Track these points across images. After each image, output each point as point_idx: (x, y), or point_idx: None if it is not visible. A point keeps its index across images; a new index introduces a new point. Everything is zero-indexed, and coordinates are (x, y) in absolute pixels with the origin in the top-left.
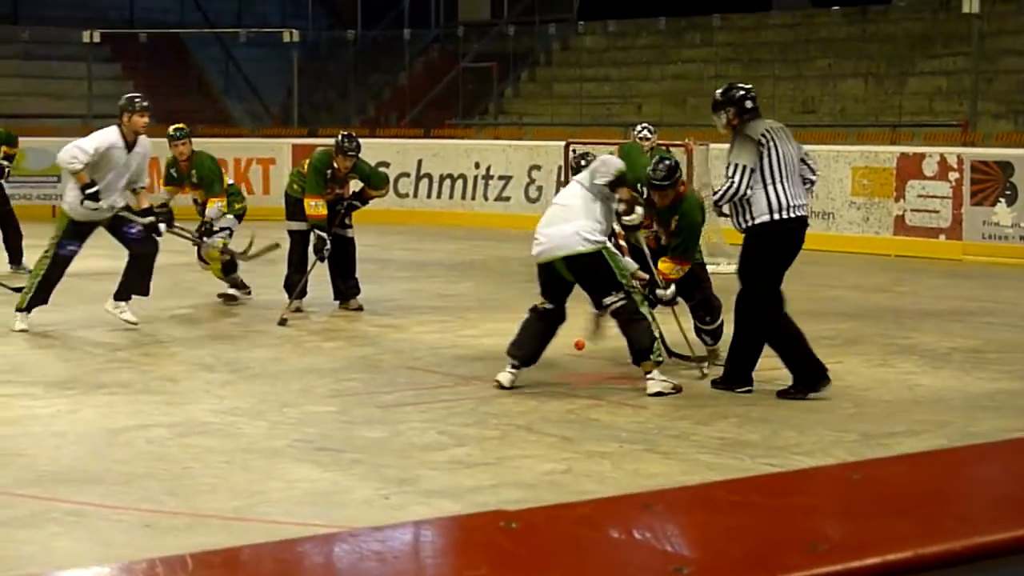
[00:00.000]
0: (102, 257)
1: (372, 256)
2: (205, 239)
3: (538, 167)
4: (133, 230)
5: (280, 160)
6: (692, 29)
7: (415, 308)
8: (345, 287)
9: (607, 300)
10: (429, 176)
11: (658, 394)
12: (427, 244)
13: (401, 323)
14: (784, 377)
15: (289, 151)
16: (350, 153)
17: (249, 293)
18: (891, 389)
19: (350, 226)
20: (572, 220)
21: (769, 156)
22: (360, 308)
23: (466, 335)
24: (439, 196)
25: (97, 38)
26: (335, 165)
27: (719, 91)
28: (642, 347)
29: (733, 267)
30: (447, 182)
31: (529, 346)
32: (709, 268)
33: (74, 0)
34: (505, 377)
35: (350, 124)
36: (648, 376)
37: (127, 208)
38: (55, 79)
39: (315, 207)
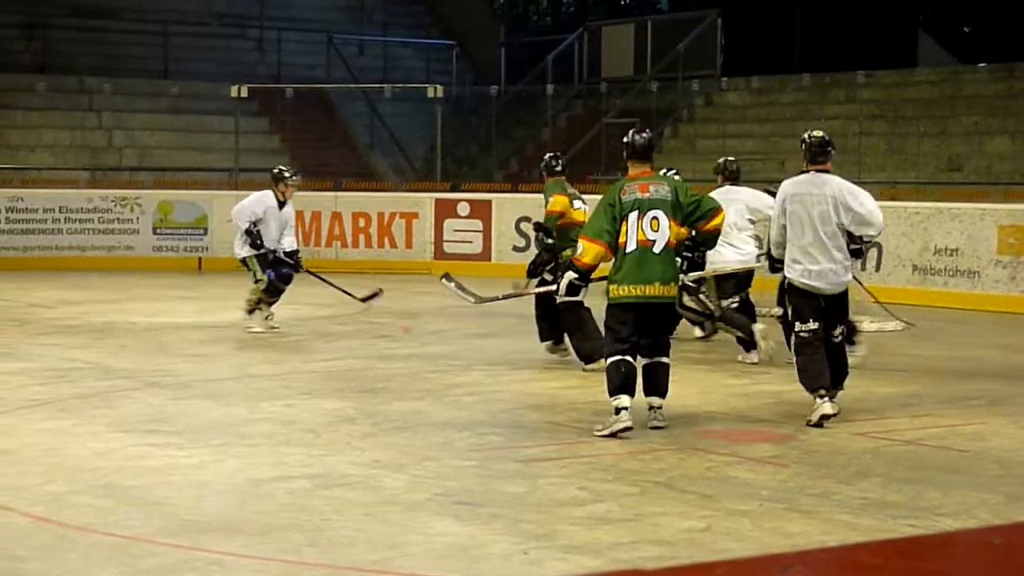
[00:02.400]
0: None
1: (514, 311)
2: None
3: None
4: (284, 269)
5: (423, 214)
6: (836, 86)
7: (557, 363)
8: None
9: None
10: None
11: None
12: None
13: (542, 378)
14: (936, 436)
15: (432, 205)
16: None
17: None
18: None
19: None
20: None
21: None
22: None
23: (603, 391)
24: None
25: (245, 93)
26: None
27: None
28: None
29: (876, 325)
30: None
31: (823, 369)
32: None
33: (222, 56)
34: (828, 408)
35: (492, 179)
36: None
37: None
38: (203, 133)
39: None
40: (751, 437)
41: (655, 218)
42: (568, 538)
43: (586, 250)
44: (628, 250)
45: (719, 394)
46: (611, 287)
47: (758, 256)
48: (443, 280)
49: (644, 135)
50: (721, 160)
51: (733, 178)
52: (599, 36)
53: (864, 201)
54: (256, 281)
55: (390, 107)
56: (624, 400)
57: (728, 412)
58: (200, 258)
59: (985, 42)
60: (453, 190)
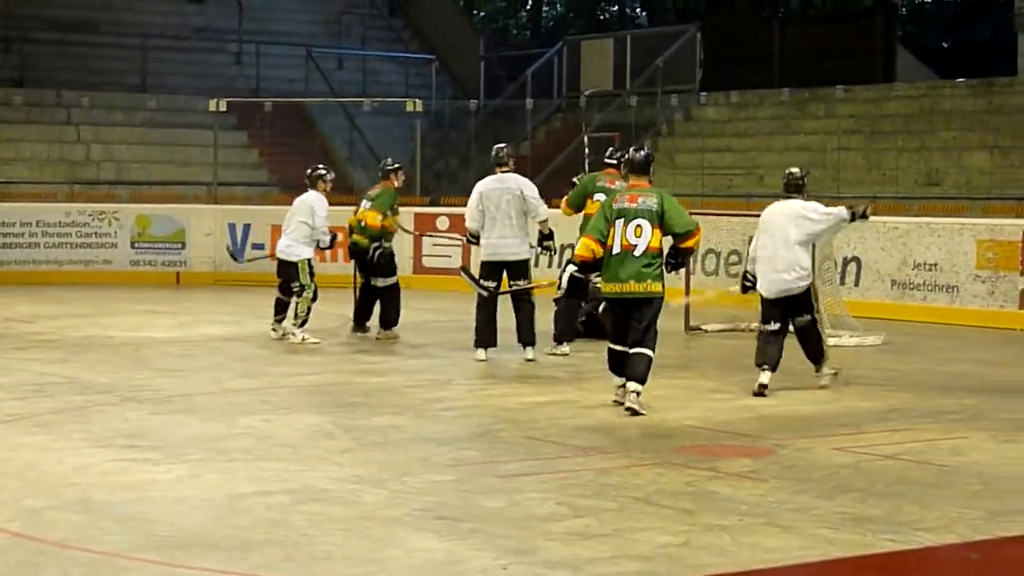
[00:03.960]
0: (227, 324)
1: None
2: None
3: None
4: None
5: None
6: (815, 101)
7: (535, 378)
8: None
9: None
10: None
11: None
12: (547, 314)
13: (521, 392)
14: (915, 451)
15: (411, 220)
16: None
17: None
18: (1017, 465)
19: None
20: None
21: None
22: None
23: (586, 406)
24: (560, 264)
25: (223, 107)
26: None
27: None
28: None
29: (855, 339)
30: (568, 252)
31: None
32: (832, 340)
33: (201, 70)
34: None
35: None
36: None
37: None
38: (182, 147)
39: None
40: (730, 452)
41: (639, 225)
42: (547, 553)
43: (581, 245)
44: (613, 252)
45: (698, 409)
46: (602, 285)
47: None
48: (461, 274)
49: (642, 152)
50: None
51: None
52: (579, 50)
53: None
54: (302, 289)
55: (369, 121)
56: (617, 380)
57: (707, 426)
58: (178, 272)
59: (963, 57)
60: (432, 204)
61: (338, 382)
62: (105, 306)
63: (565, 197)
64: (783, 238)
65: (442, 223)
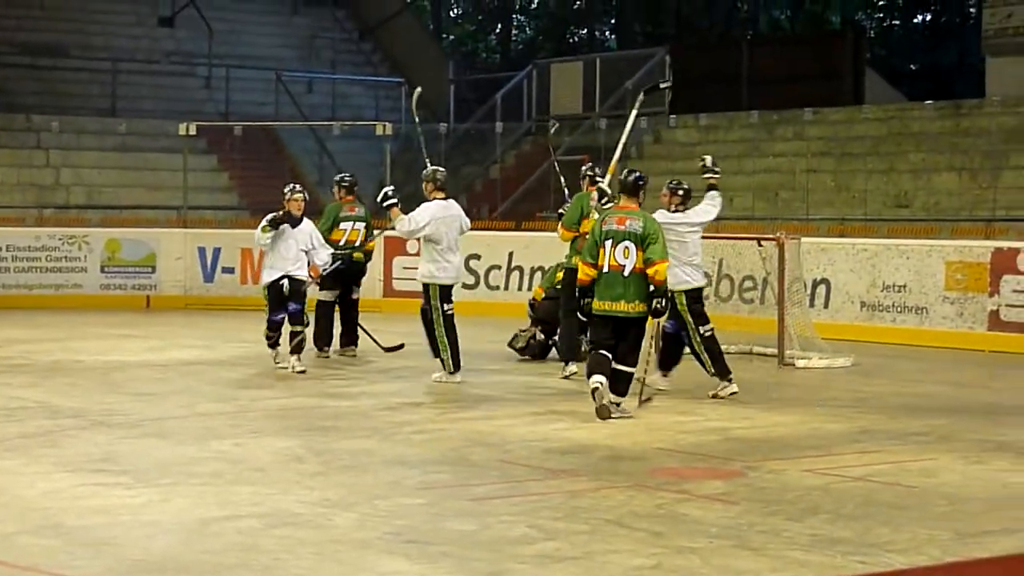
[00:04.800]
0: (198, 348)
1: (464, 348)
2: None
3: None
4: None
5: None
6: (784, 123)
7: (506, 400)
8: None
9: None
10: (520, 269)
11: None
12: (511, 333)
13: (491, 415)
14: (885, 472)
15: (381, 242)
16: None
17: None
18: (986, 487)
19: None
20: None
21: None
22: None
23: (557, 428)
24: (531, 289)
25: (193, 131)
26: None
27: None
28: None
29: (825, 361)
30: (539, 275)
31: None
32: (800, 363)
33: (171, 94)
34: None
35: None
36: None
37: None
38: (152, 170)
39: None
40: (701, 474)
41: (627, 247)
42: None
43: (579, 269)
44: (603, 272)
45: (669, 431)
46: (592, 302)
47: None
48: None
49: (633, 175)
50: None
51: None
52: (548, 73)
53: None
54: None
55: (339, 144)
56: (595, 380)
57: (677, 449)
58: (148, 296)
59: (931, 80)
60: None
61: (308, 406)
62: (75, 330)
63: (560, 221)
64: None
65: (412, 246)
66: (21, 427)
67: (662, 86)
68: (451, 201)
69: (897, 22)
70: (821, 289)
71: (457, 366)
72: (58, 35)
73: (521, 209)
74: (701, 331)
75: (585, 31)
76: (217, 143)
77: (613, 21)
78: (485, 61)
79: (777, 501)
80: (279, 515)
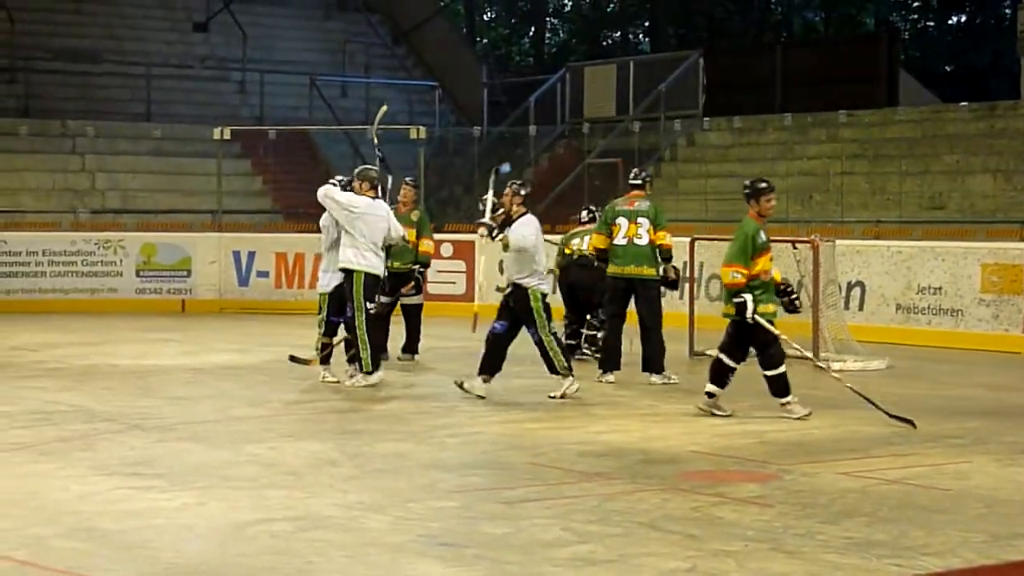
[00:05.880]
0: (233, 352)
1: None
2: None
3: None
4: None
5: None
6: (818, 125)
7: (539, 404)
8: None
9: None
10: (553, 273)
11: None
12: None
13: (525, 419)
14: (920, 475)
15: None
16: None
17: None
18: (1020, 489)
19: None
20: None
21: None
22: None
23: (592, 431)
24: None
25: (227, 135)
26: None
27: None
28: None
29: (859, 364)
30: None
31: None
32: (836, 365)
33: (205, 99)
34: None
35: (476, 219)
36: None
37: None
38: (186, 175)
39: None
40: (736, 477)
41: (638, 222)
42: None
43: (593, 240)
44: (617, 243)
45: (703, 434)
46: (609, 267)
47: None
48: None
49: (637, 171)
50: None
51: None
52: (581, 76)
53: None
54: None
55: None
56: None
57: (712, 452)
58: (183, 300)
59: (966, 82)
60: (436, 231)
61: (342, 409)
62: (111, 334)
63: (592, 234)
64: None
65: (446, 250)
66: (57, 431)
67: (503, 170)
68: (380, 202)
69: (931, 23)
70: (856, 292)
71: (375, 365)
72: (93, 40)
73: (554, 213)
74: (550, 327)
75: (618, 34)
76: (251, 147)
77: (646, 24)
78: (518, 64)
79: (812, 504)
80: (312, 518)
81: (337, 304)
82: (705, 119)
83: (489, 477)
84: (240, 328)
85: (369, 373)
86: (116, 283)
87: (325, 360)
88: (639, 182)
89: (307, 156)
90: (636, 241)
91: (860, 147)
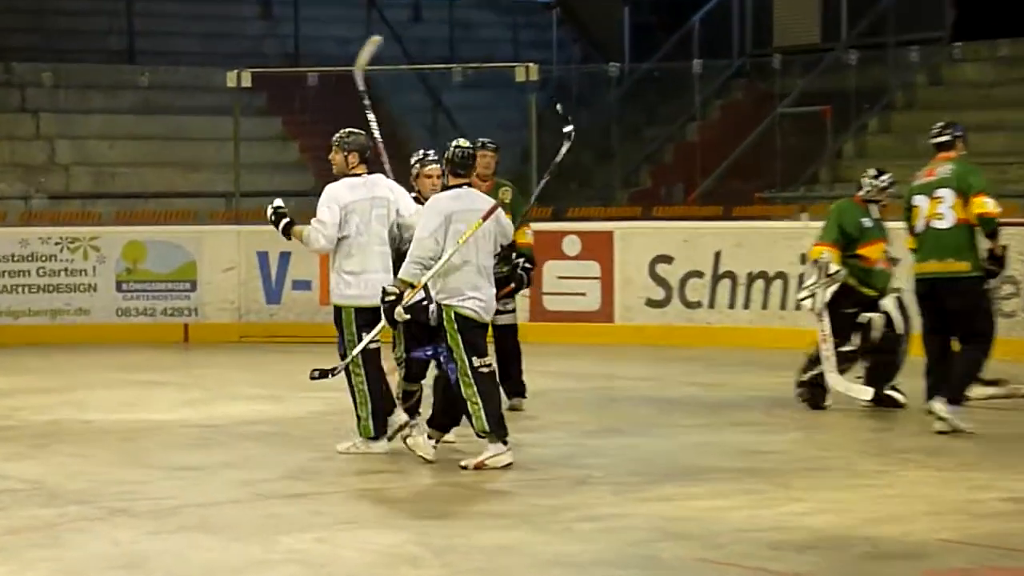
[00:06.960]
0: (259, 400)
1: (647, 395)
2: None
3: (895, 260)
4: None
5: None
6: None
7: (712, 471)
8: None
9: None
10: (732, 276)
11: None
12: (728, 376)
13: (691, 494)
14: None
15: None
16: None
17: None
18: None
19: None
20: None
21: None
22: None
23: (789, 512)
24: (747, 306)
25: (247, 82)
26: None
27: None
28: None
29: None
30: (758, 284)
31: None
32: None
33: (214, 29)
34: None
35: (614, 201)
36: None
37: None
38: (188, 141)
39: None
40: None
41: (938, 196)
42: None
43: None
44: (916, 232)
45: (957, 514)
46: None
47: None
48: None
49: (942, 126)
50: None
51: None
52: None
53: None
54: None
55: (461, 97)
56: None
57: (968, 540)
58: (186, 324)
59: None
60: (556, 218)
61: (421, 483)
62: (81, 376)
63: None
64: None
65: (570, 245)
66: (6, 519)
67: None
68: (378, 177)
69: None
70: None
71: (381, 431)
72: None
73: (732, 188)
74: (475, 364)
75: None
76: (282, 100)
77: None
78: None
79: None
80: None
81: (418, 328)
82: (955, 45)
83: None
84: (269, 365)
85: (372, 439)
86: (88, 301)
87: (410, 412)
88: (946, 138)
89: (363, 112)
90: (936, 224)
91: None
